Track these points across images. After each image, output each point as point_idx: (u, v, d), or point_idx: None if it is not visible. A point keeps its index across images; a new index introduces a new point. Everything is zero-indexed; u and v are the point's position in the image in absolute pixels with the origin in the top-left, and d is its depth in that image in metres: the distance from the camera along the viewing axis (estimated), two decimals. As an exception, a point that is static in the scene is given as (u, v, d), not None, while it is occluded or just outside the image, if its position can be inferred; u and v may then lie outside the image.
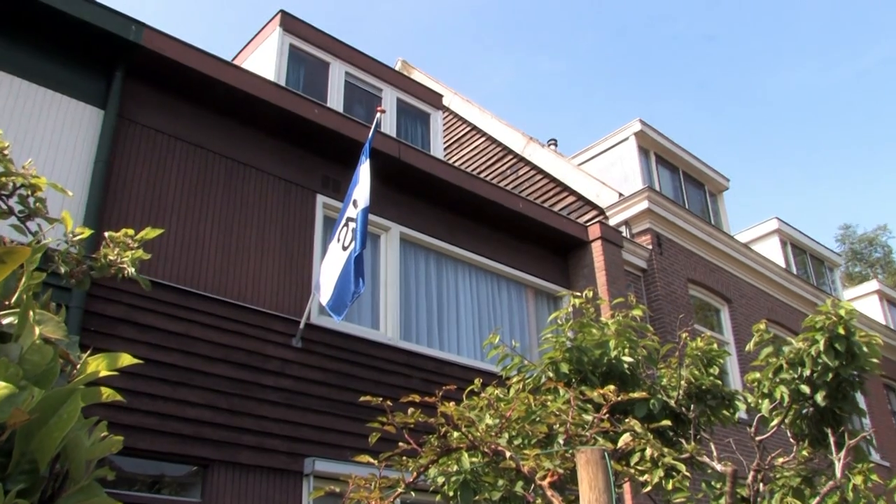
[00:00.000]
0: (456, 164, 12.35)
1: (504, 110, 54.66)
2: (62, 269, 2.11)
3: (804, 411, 4.71)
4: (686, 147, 13.05)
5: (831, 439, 4.55)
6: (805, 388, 4.59)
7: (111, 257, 2.18)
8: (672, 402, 4.82)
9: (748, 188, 50.48)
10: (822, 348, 4.44)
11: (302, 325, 6.48)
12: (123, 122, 6.22)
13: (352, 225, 5.91)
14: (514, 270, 9.01)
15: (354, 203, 5.99)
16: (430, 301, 8.08)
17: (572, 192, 11.40)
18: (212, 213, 6.47)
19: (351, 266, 5.62)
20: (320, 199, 7.33)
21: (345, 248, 5.89)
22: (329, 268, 6.08)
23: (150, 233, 2.23)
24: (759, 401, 4.83)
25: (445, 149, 13.41)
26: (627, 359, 4.80)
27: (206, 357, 5.92)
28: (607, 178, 11.72)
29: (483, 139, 13.11)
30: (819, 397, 4.55)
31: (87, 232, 2.15)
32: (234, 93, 6.79)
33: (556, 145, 13.54)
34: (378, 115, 6.60)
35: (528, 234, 9.25)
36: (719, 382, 5.02)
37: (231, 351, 6.08)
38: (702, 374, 4.97)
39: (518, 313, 8.96)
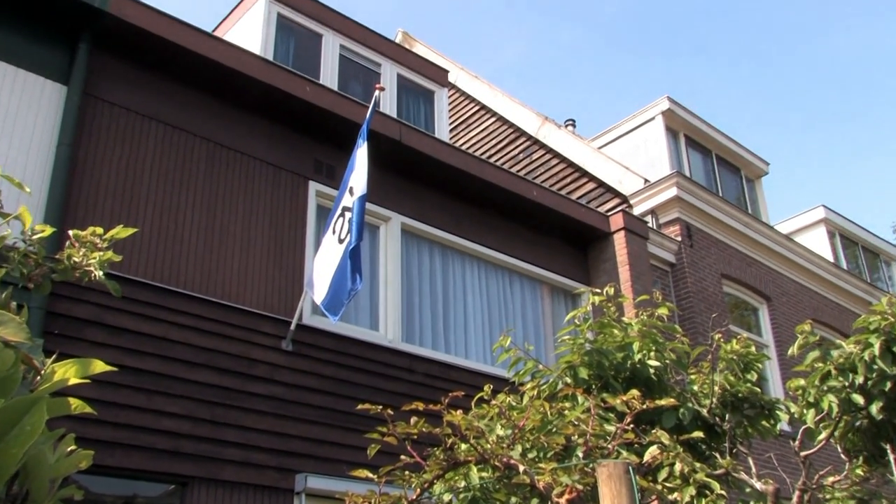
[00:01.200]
0: (463, 148, 12.48)
1: (516, 87, 54.63)
2: (18, 273, 2.08)
3: (857, 424, 4.67)
4: (719, 127, 13.07)
5: (890, 456, 4.50)
6: (858, 398, 4.54)
7: (76, 259, 2.16)
8: (704, 412, 4.79)
9: (790, 172, 50.30)
10: (877, 352, 4.37)
11: (293, 326, 6.51)
12: (90, 99, 6.22)
13: (348, 215, 5.94)
14: (528, 265, 9.05)
15: (351, 191, 6.02)
16: (435, 299, 8.13)
17: (592, 179, 11.45)
18: (192, 203, 6.49)
19: (347, 260, 5.64)
20: (313, 187, 7.36)
21: (341, 241, 5.92)
22: (323, 263, 6.11)
23: (121, 232, 2.21)
24: (804, 411, 4.81)
25: (451, 130, 13.51)
26: (653, 363, 4.81)
27: (186, 362, 5.95)
28: (631, 162, 11.73)
29: (493, 120, 13.15)
30: (874, 408, 4.49)
31: (49, 230, 2.13)
32: (216, 68, 6.81)
33: (574, 126, 13.54)
34: (377, 92, 6.63)
35: (543, 224, 9.28)
36: (758, 390, 5.02)
37: (214, 355, 6.11)
38: (738, 381, 4.96)
39: (532, 312, 9.01)
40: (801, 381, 4.84)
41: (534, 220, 9.20)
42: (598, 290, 5.43)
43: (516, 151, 12.60)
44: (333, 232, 6.13)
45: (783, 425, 5.65)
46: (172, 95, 6.74)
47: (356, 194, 5.84)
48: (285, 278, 6.82)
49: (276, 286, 6.73)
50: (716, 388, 4.85)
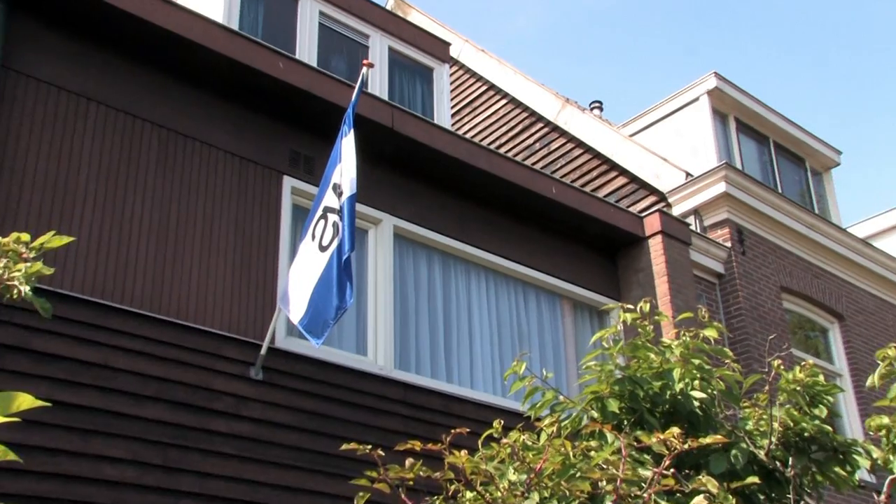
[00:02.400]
0: (468, 136, 12.53)
1: (531, 63, 54.57)
2: None
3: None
4: (778, 109, 13.08)
5: None
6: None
7: (-5, 272, 2.15)
8: (761, 454, 4.72)
9: (866, 164, 50.22)
10: None
11: (263, 351, 6.49)
12: (11, 75, 6.19)
13: (332, 217, 5.95)
14: (546, 276, 9.04)
15: (335, 188, 6.03)
16: (435, 317, 8.12)
17: (623, 172, 11.44)
18: (140, 202, 6.48)
19: (333, 272, 5.69)
20: (288, 183, 7.37)
21: (323, 248, 5.94)
22: (301, 274, 6.11)
23: (54, 241, 2.20)
24: (890, 457, 4.77)
25: (454, 115, 13.50)
26: (698, 394, 4.81)
27: (133, 395, 5.91)
28: (670, 152, 11.75)
29: (504, 102, 13.18)
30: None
31: (-42, 238, 2.11)
32: (170, 39, 6.80)
33: (600, 110, 13.60)
34: (364, 70, 6.63)
35: (563, 227, 9.27)
36: (829, 429, 4.98)
37: (167, 386, 6.07)
38: (803, 417, 4.93)
39: (551, 333, 9.00)
40: (885, 420, 4.79)
41: (553, 222, 9.19)
42: (631, 307, 5.42)
43: (532, 140, 12.60)
44: (313, 237, 6.12)
45: (863, 473, 5.62)
46: (116, 72, 6.73)
47: (344, 193, 5.88)
48: (254, 293, 6.81)
49: (243, 302, 6.72)
50: (775, 426, 4.79)
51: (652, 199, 11.05)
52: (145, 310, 6.18)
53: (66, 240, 2.16)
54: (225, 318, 6.57)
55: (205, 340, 6.37)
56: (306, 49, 8.88)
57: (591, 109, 13.23)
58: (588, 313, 9.41)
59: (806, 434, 4.91)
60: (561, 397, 5.08)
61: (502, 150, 12.48)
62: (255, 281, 6.87)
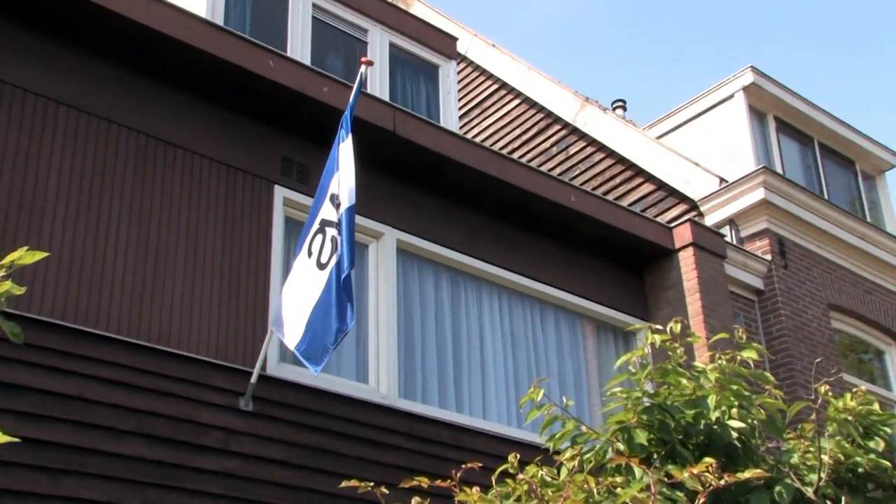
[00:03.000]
0: (478, 140, 12.54)
1: (547, 60, 54.45)
2: None
3: None
4: (824, 106, 12.99)
5: None
6: None
7: (-41, 293, 2.14)
8: (810, 492, 4.68)
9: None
10: None
11: (254, 379, 6.47)
12: (-28, 76, 6.29)
13: (330, 232, 5.97)
14: (565, 294, 9.03)
15: (333, 199, 6.04)
16: (443, 341, 8.10)
17: (649, 178, 11.41)
18: (117, 216, 6.46)
19: (332, 292, 5.70)
20: (280, 193, 7.38)
21: (322, 266, 5.96)
22: (296, 294, 6.12)
23: (26, 257, 2.19)
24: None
25: (462, 117, 13.45)
26: (736, 423, 4.79)
27: (109, 430, 5.88)
28: (702, 155, 11.68)
29: (517, 102, 13.14)
30: None
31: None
32: (149, 37, 6.80)
33: (623, 109, 13.60)
34: (363, 68, 6.65)
35: (584, 240, 9.27)
36: (887, 464, 4.95)
37: (147, 419, 6.04)
38: (856, 450, 4.91)
39: (571, 357, 8.97)
40: (953, 454, 4.81)
41: (572, 234, 9.17)
42: (660, 327, 5.42)
43: (548, 144, 12.59)
44: (310, 253, 6.13)
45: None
46: (90, 73, 6.72)
47: (343, 204, 5.89)
48: (244, 315, 6.79)
49: (231, 326, 6.70)
50: (825, 460, 4.76)
51: (682, 207, 11.00)
52: (123, 335, 6.17)
53: (39, 255, 2.14)
54: (211, 344, 6.56)
55: (189, 368, 6.36)
56: (299, 46, 8.87)
57: (614, 109, 13.19)
58: (612, 335, 9.40)
59: (860, 469, 4.88)
60: (583, 427, 5.07)
61: (516, 155, 12.45)
62: (245, 302, 6.85)
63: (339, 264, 5.74)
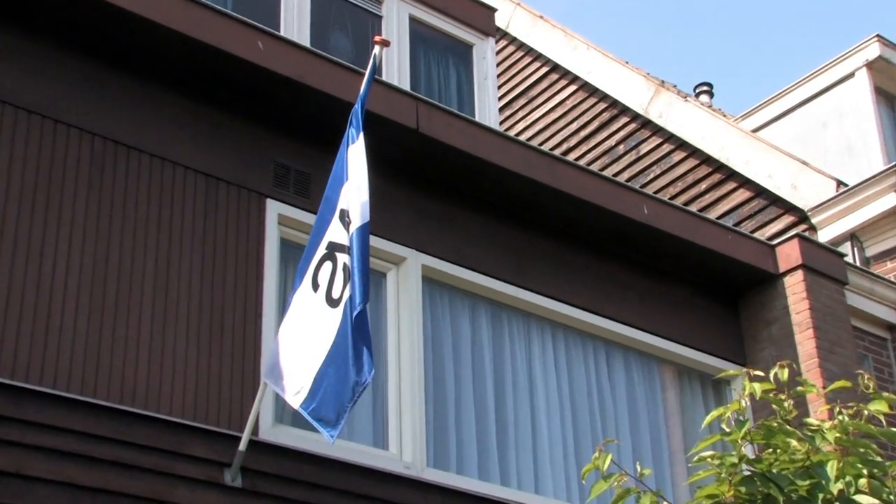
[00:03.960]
0: (523, 138, 12.96)
1: (609, 35, 54.66)
2: None
3: None
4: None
5: None
6: None
7: None
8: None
9: None
10: None
11: (243, 446, 6.36)
12: None
13: (342, 258, 5.97)
14: (639, 332, 8.95)
15: (343, 216, 6.05)
16: (482, 393, 8.03)
17: (744, 183, 11.52)
18: (68, 238, 6.42)
19: (349, 335, 5.71)
20: (273, 208, 7.39)
21: (334, 302, 5.96)
22: (299, 337, 6.14)
23: None
24: None
25: (503, 108, 13.38)
26: (867, 499, 4.84)
27: (63, 514, 5.80)
28: (812, 152, 11.74)
29: (573, 89, 13.27)
30: None
31: None
32: (107, 16, 6.78)
33: (710, 96, 13.97)
34: (377, 50, 6.59)
35: (661, 263, 9.25)
36: None
37: (108, 501, 5.99)
38: None
39: (647, 412, 8.90)
40: None
41: (646, 256, 9.13)
42: (761, 373, 5.43)
43: (614, 141, 12.69)
44: (315, 286, 6.15)
45: None
46: (35, 65, 6.74)
47: (355, 223, 5.86)
48: (229, 365, 6.78)
49: (213, 378, 6.68)
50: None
51: (788, 219, 11.15)
52: (75, 393, 6.11)
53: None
54: (188, 402, 6.54)
55: (160, 433, 6.30)
56: (295, 23, 9.05)
57: (697, 96, 13.41)
58: (699, 383, 9.41)
59: None
60: (663, 501, 5.15)
61: (572, 157, 12.50)
62: (231, 348, 6.85)
63: (351, 299, 5.74)
